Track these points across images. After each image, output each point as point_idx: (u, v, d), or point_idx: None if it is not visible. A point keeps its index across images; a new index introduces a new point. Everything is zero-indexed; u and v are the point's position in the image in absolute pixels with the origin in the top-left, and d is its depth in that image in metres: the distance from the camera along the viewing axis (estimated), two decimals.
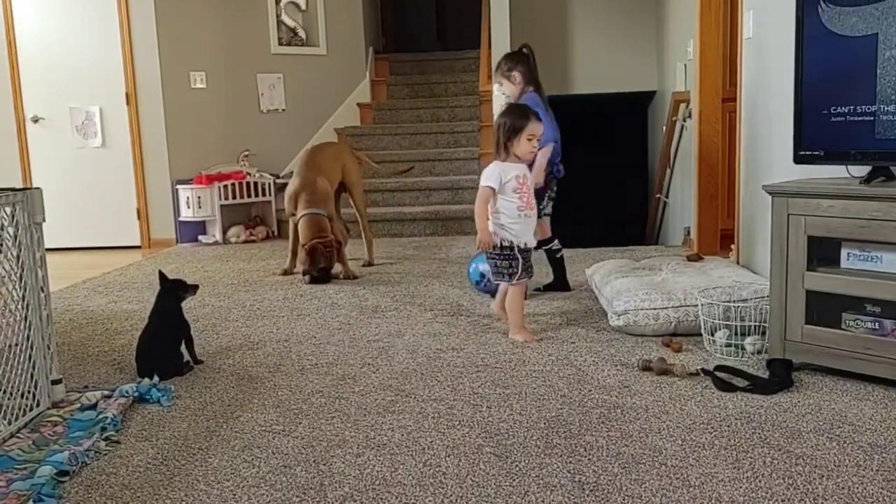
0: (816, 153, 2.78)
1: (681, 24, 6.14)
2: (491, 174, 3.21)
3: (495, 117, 3.41)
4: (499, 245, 3.24)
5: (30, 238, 2.60)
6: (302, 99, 7.51)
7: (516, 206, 3.21)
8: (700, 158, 5.01)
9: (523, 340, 3.26)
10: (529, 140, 3.18)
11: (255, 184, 6.97)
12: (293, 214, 4.92)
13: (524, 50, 4.15)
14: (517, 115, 3.22)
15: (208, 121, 7.05)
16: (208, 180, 6.72)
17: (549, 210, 4.16)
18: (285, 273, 5.03)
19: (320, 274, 4.71)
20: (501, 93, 4.41)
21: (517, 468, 2.09)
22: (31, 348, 2.60)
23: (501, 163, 3.22)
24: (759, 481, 1.96)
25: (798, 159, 2.83)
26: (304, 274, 4.76)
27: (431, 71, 8.52)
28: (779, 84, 3.50)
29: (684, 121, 5.80)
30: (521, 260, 3.24)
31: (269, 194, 7.05)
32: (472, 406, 2.56)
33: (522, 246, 3.24)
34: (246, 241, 6.73)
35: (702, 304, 3.11)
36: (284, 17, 7.44)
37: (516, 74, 4.09)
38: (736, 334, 3.01)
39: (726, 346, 2.99)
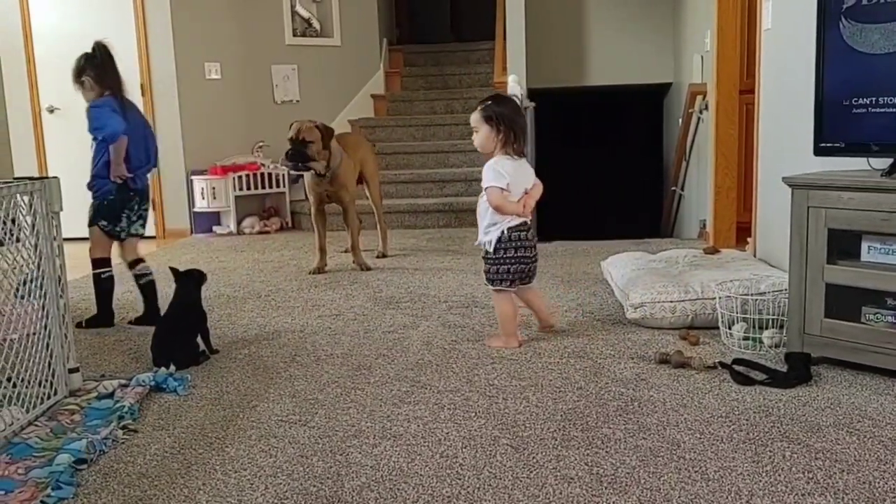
0: (837, 145, 2.75)
1: (698, 15, 6.09)
2: None
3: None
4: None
5: (47, 227, 2.61)
6: (316, 90, 7.50)
7: None
8: (717, 151, 4.98)
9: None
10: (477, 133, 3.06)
11: (270, 175, 6.97)
12: (318, 202, 4.77)
13: (92, 50, 3.67)
14: None
15: (223, 112, 7.06)
16: (223, 171, 6.73)
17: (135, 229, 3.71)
18: (319, 271, 4.77)
19: (294, 148, 4.52)
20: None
21: (534, 460, 2.08)
22: (49, 337, 2.61)
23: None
24: (779, 475, 1.94)
25: (818, 151, 2.80)
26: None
27: (445, 62, 8.50)
28: (799, 76, 3.47)
29: (701, 113, 5.76)
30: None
31: (283, 185, 7.05)
32: (488, 398, 2.55)
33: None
34: (260, 232, 6.74)
35: (719, 297, 3.09)
36: (299, 8, 7.43)
37: (86, 80, 3.65)
38: (754, 327, 2.99)
39: (744, 339, 2.97)
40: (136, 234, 3.75)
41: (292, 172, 4.42)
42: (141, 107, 6.64)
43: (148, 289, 3.74)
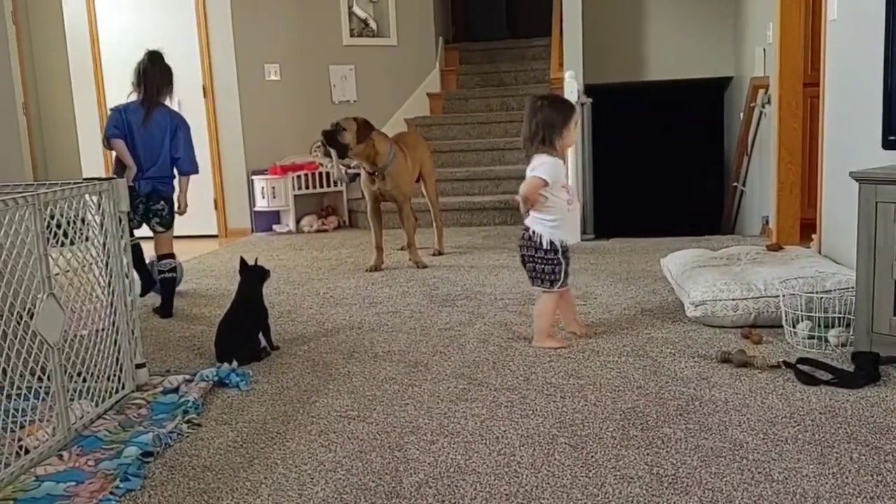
0: None
1: (760, 7, 5.95)
2: (550, 166, 2.96)
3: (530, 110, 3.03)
4: (543, 246, 3.01)
5: (115, 226, 2.68)
6: (373, 90, 7.56)
7: (565, 200, 3.02)
8: (780, 145, 4.86)
9: (555, 346, 3.06)
10: (576, 127, 3.04)
11: (328, 174, 7.05)
12: (373, 200, 4.84)
13: (143, 58, 3.98)
14: (563, 106, 3.04)
15: (282, 112, 7.17)
16: (282, 171, 6.84)
17: (152, 226, 4.03)
18: (375, 269, 4.82)
19: (328, 131, 4.67)
20: None
21: (593, 459, 2.06)
22: (117, 333, 2.69)
23: (557, 158, 2.99)
24: (846, 477, 1.89)
25: (887, 144, 2.72)
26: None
27: (501, 60, 8.47)
28: (866, 67, 3.36)
29: (763, 107, 5.63)
30: (563, 264, 3.03)
31: (341, 184, 7.12)
32: (546, 396, 2.54)
33: (567, 246, 3.04)
34: (318, 231, 6.82)
35: (783, 295, 3.02)
36: (356, 9, 7.50)
37: (133, 83, 3.98)
38: (819, 326, 2.91)
39: (809, 338, 2.90)
40: (157, 231, 4.04)
41: (327, 160, 4.64)
42: (202, 108, 6.89)
43: (165, 284, 4.00)
